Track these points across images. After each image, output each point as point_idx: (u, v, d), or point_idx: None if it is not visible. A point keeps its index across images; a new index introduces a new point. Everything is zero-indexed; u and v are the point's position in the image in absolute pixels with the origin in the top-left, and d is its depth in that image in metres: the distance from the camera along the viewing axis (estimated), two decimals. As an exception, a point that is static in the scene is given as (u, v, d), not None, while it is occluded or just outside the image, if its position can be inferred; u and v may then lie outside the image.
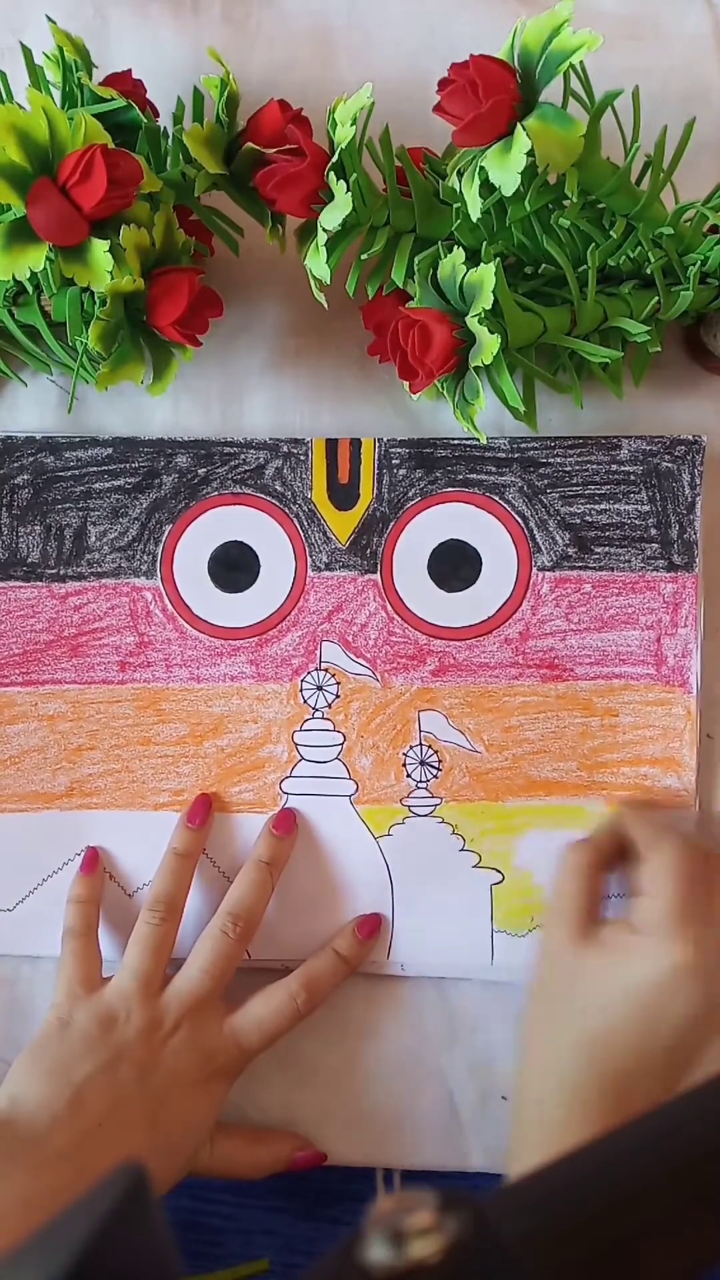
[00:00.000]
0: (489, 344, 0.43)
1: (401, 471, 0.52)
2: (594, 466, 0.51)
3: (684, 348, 0.53)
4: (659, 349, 0.49)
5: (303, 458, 0.52)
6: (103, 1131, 0.43)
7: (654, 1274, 0.25)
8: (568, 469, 0.51)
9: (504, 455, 0.51)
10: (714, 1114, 0.27)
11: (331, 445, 0.52)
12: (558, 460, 0.51)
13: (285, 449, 0.52)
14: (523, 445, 0.51)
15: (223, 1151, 0.47)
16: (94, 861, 0.51)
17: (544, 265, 0.47)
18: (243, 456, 0.52)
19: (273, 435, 0.52)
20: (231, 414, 0.53)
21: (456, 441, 0.52)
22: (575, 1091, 0.41)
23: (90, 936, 0.49)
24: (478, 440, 0.51)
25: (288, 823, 0.50)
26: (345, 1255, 0.23)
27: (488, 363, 0.43)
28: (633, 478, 0.51)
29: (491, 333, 0.43)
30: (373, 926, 0.50)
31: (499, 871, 0.50)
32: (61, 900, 0.50)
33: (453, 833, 0.51)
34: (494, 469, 0.51)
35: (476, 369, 0.44)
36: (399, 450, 0.52)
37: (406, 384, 0.47)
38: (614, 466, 0.51)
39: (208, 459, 0.52)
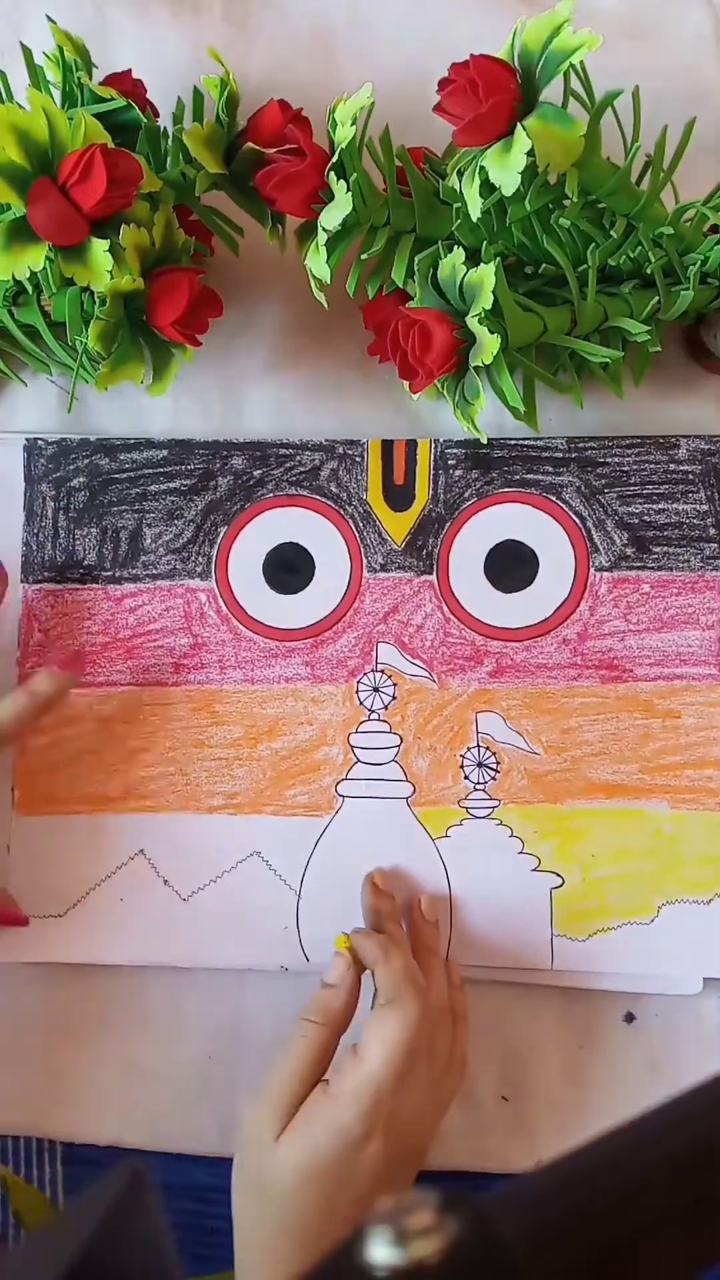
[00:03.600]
0: (489, 344, 0.43)
1: (457, 472, 0.51)
2: (652, 466, 0.51)
3: (684, 348, 0.53)
4: (659, 349, 0.49)
5: (358, 459, 0.52)
6: None
7: (654, 1274, 0.25)
8: (625, 468, 0.51)
9: (561, 455, 0.51)
10: (714, 1114, 0.27)
11: (387, 446, 0.52)
12: (615, 460, 0.51)
13: (341, 450, 0.52)
14: (580, 445, 0.51)
15: None
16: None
17: (544, 265, 0.47)
18: (298, 458, 0.52)
19: (278, 435, 0.52)
20: (231, 414, 0.53)
21: (514, 442, 0.51)
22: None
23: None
24: (534, 440, 0.51)
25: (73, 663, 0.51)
26: (345, 1255, 0.23)
27: (488, 363, 0.43)
28: (691, 477, 0.51)
29: (491, 333, 0.43)
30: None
31: (559, 875, 0.50)
32: (115, 905, 0.50)
33: (511, 835, 0.50)
34: (551, 469, 0.51)
35: (476, 369, 0.44)
36: (455, 451, 0.52)
37: (406, 384, 0.47)
38: (672, 466, 0.51)
39: (263, 460, 0.52)
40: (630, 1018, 0.50)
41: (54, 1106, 0.50)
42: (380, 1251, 0.23)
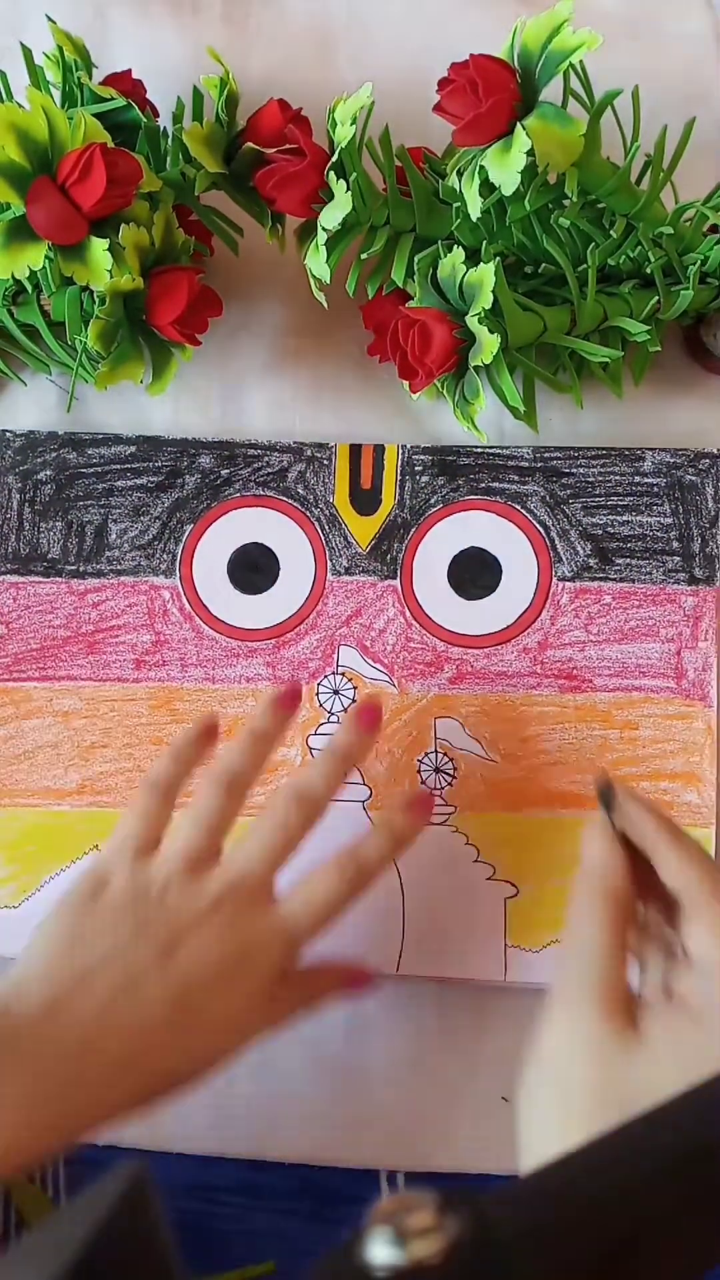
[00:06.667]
0: (489, 344, 0.43)
1: (424, 478, 0.51)
2: (617, 478, 0.51)
3: (684, 348, 0.53)
4: (659, 349, 0.49)
5: (326, 462, 0.52)
6: (111, 1016, 0.38)
7: (654, 1274, 0.25)
8: (590, 479, 0.51)
9: (527, 464, 0.51)
10: (714, 1114, 0.27)
11: (355, 450, 0.52)
12: (581, 470, 0.51)
13: (309, 453, 0.52)
14: (546, 455, 0.51)
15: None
16: (213, 732, 0.46)
17: (544, 265, 0.47)
18: (266, 459, 0.52)
19: (274, 436, 0.52)
20: (231, 414, 0.54)
21: (480, 449, 0.51)
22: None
23: (170, 797, 0.44)
24: (501, 448, 0.51)
25: (372, 718, 0.45)
26: (346, 1255, 0.23)
27: (488, 362, 0.43)
28: (655, 490, 0.51)
29: (491, 332, 0.43)
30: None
31: (513, 885, 0.50)
32: None
33: (467, 843, 0.50)
34: (516, 478, 0.51)
35: (476, 369, 0.44)
36: (422, 457, 0.52)
37: (406, 384, 0.47)
38: (637, 478, 0.51)
39: (231, 460, 0.52)
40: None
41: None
42: (380, 1251, 0.23)
